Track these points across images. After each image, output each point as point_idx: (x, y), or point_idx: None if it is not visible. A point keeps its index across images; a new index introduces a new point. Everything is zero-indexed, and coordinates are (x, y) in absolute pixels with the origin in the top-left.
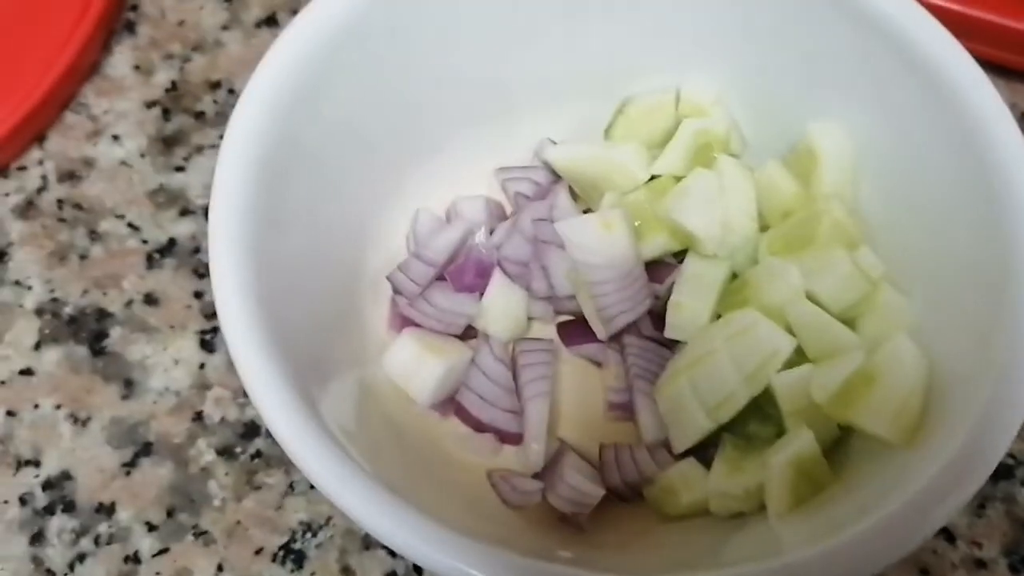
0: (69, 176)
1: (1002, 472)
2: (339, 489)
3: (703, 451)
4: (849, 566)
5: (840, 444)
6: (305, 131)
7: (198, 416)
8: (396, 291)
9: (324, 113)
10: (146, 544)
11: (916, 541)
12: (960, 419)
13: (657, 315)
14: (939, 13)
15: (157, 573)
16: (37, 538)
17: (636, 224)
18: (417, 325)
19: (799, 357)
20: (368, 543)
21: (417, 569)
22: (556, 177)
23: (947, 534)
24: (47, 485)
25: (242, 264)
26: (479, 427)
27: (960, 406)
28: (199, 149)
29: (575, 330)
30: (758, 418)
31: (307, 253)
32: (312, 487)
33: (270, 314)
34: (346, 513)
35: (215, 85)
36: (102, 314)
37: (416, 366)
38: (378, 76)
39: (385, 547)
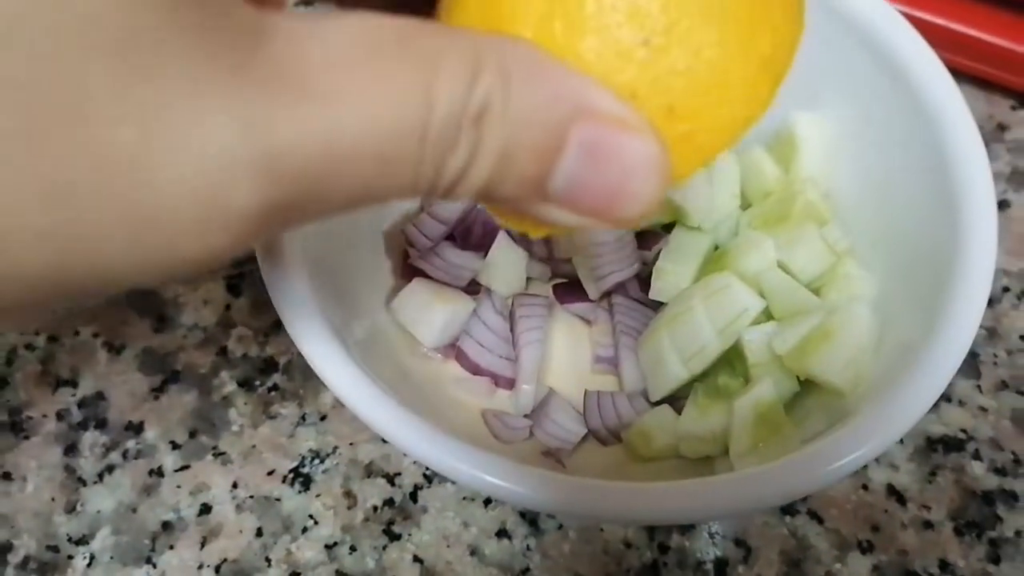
0: None
1: (953, 445)
2: (371, 409)
3: (677, 402)
4: (784, 483)
5: (798, 400)
6: None
7: (222, 351)
8: (410, 243)
9: None
10: (169, 460)
11: (827, 479)
12: (893, 381)
13: (644, 280)
14: (925, 27)
15: (178, 486)
16: (71, 449)
17: None
18: (427, 276)
19: (769, 319)
20: (370, 471)
21: (413, 497)
22: None
23: (899, 496)
24: (82, 403)
25: None
26: (476, 371)
27: (896, 371)
28: None
29: (569, 291)
30: (728, 372)
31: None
32: (323, 418)
33: (312, 261)
34: (374, 428)
35: None
36: None
37: (423, 310)
38: None
39: (385, 475)
